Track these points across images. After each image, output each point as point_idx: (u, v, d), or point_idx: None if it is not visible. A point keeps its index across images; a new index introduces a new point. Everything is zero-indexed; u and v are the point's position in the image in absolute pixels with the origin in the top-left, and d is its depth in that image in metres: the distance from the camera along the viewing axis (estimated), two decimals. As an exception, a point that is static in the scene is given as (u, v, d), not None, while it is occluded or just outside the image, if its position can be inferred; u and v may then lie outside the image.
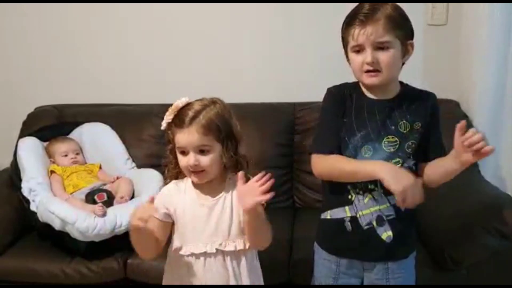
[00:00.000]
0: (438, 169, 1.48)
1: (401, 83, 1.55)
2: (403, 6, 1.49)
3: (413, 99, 1.51)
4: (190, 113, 1.45)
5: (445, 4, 2.59)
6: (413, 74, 2.52)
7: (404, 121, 1.48)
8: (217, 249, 1.49)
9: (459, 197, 2.09)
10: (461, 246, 1.90)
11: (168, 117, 1.48)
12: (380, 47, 1.42)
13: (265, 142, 2.52)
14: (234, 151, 1.50)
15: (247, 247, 1.51)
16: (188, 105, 1.48)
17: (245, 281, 1.53)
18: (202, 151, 1.46)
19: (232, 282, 1.51)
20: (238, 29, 2.76)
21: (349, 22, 1.46)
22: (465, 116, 2.48)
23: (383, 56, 1.42)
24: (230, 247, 1.50)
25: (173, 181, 1.57)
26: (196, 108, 1.47)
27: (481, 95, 2.44)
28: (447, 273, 1.94)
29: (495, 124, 2.46)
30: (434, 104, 1.52)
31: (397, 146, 1.47)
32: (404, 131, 1.48)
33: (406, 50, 1.47)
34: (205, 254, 1.50)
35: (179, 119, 1.46)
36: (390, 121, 1.48)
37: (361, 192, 1.50)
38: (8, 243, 2.20)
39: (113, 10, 2.77)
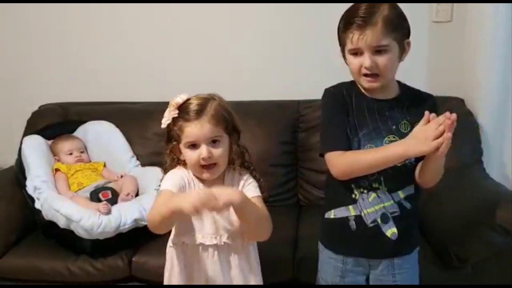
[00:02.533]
0: (425, 166, 1.47)
1: (398, 82, 1.54)
2: (406, 4, 1.48)
3: (413, 100, 1.51)
4: (196, 106, 1.44)
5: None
6: (418, 72, 2.56)
7: (405, 121, 1.49)
8: (216, 242, 1.49)
9: (464, 194, 2.09)
10: (466, 244, 1.89)
11: (172, 112, 1.46)
12: (378, 50, 1.42)
13: (270, 140, 2.52)
14: (237, 143, 1.51)
15: (245, 241, 1.52)
16: (188, 100, 1.47)
17: (241, 276, 1.53)
18: (214, 142, 1.45)
19: (227, 276, 1.52)
20: (241, 26, 2.76)
21: (346, 24, 1.45)
22: (470, 114, 2.48)
23: (381, 60, 1.42)
24: (228, 240, 1.51)
25: (178, 166, 1.54)
26: (199, 101, 1.46)
27: (486, 92, 2.43)
28: (452, 271, 1.93)
29: (500, 121, 2.46)
30: (434, 105, 1.51)
31: None
32: (405, 131, 1.47)
33: (403, 50, 1.47)
34: (203, 246, 1.50)
35: (186, 113, 1.44)
36: (391, 121, 1.49)
37: (365, 191, 1.50)
38: (13, 241, 2.20)
39: (117, 8, 2.78)
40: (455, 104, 2.51)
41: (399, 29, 1.44)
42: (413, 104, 1.50)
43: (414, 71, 1.54)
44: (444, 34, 2.62)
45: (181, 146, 1.48)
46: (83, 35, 2.85)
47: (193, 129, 1.43)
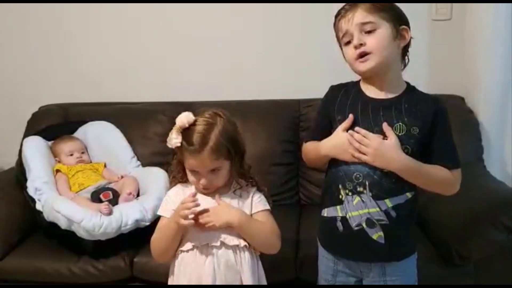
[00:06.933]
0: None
1: (408, 85, 1.50)
2: (407, 3, 1.47)
3: (415, 102, 1.44)
4: (198, 137, 1.46)
5: (449, -2, 2.59)
6: (418, 70, 2.52)
7: (400, 123, 1.42)
8: (221, 242, 1.51)
9: (466, 192, 2.05)
10: (468, 241, 1.89)
11: (176, 140, 1.48)
12: (366, 30, 1.41)
13: (270, 139, 2.52)
14: (240, 163, 1.54)
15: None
16: (192, 126, 1.48)
17: (248, 276, 1.54)
18: (213, 170, 1.50)
19: (233, 275, 1.53)
20: (241, 26, 2.76)
21: (335, 17, 1.48)
22: (470, 112, 2.48)
23: (371, 38, 1.41)
24: (233, 242, 1.51)
25: (179, 184, 1.61)
26: (203, 129, 1.47)
27: (486, 90, 2.43)
28: (454, 269, 1.93)
29: (501, 119, 2.46)
30: (437, 110, 1.44)
31: None
32: (399, 133, 1.41)
33: (400, 36, 1.43)
34: (208, 247, 1.51)
35: (188, 142, 1.47)
36: (384, 121, 1.43)
37: (350, 194, 1.47)
38: (15, 243, 2.20)
39: (117, 8, 2.78)
40: (455, 102, 2.51)
41: (387, 11, 1.42)
42: (414, 106, 1.44)
43: (414, 69, 1.53)
44: (444, 32, 2.62)
45: (185, 165, 1.54)
46: (83, 36, 2.85)
47: (193, 162, 1.49)
